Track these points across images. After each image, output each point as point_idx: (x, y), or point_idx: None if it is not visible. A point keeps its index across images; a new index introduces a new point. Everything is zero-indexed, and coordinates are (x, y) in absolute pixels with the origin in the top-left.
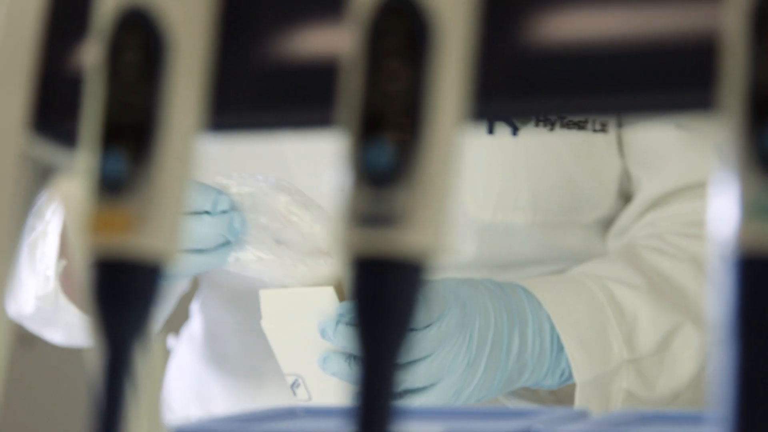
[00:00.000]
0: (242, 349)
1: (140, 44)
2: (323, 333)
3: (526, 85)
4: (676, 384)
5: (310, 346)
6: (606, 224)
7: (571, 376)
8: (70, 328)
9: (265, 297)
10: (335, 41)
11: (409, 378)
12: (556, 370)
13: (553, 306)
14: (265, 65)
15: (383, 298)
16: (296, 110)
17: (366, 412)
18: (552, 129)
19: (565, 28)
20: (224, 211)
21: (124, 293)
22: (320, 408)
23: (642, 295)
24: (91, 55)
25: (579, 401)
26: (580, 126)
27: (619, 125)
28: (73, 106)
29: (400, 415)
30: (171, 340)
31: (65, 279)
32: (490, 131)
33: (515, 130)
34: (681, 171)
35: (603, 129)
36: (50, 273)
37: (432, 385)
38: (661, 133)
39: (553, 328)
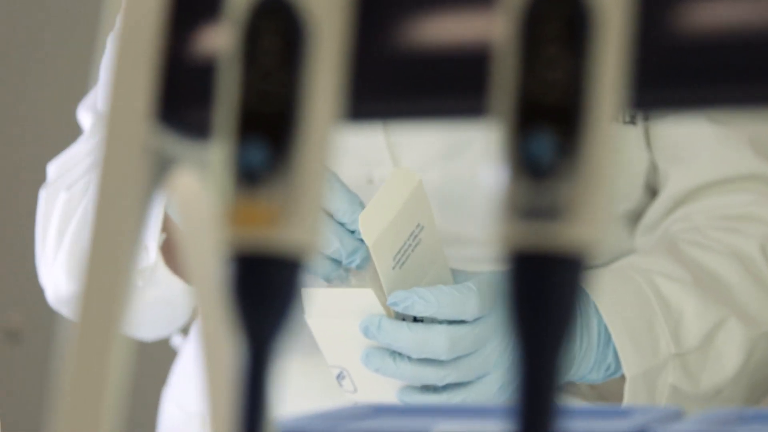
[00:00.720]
0: None
1: (279, 30)
2: (366, 330)
3: (678, 74)
4: (720, 379)
5: (351, 341)
6: (632, 218)
7: (615, 370)
8: (143, 308)
9: (309, 295)
10: (482, 27)
11: (455, 372)
12: (602, 364)
13: (602, 300)
14: (406, 52)
15: (546, 295)
16: (439, 99)
17: (530, 412)
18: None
19: (720, 15)
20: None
21: (266, 288)
22: (401, 407)
23: (687, 289)
24: (220, 42)
25: (628, 396)
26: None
27: (646, 118)
28: (193, 95)
29: (561, 414)
30: (177, 339)
31: (166, 252)
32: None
33: None
34: (713, 165)
35: (632, 121)
36: (150, 246)
37: (478, 379)
38: (691, 127)
39: (600, 321)
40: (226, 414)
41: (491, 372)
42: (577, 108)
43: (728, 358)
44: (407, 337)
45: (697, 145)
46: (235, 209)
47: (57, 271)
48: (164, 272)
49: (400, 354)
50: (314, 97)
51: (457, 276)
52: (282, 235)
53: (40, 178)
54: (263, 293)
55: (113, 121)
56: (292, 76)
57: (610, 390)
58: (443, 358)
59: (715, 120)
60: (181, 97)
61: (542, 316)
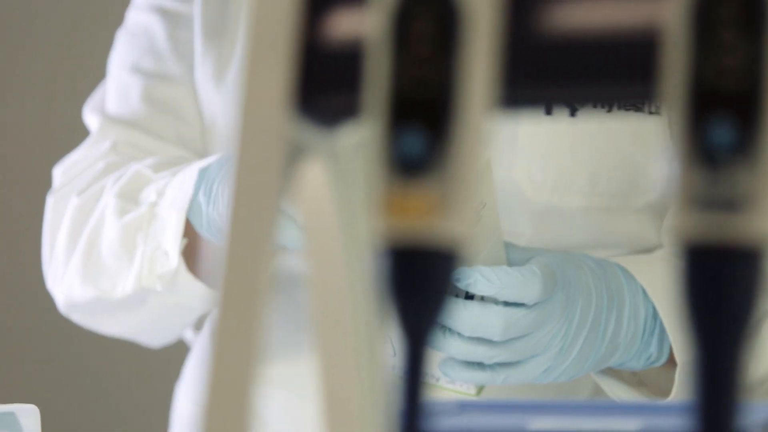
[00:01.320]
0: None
1: (433, 14)
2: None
3: None
4: (765, 370)
5: None
6: (657, 209)
7: (657, 359)
8: (161, 313)
9: None
10: (644, 8)
11: (505, 353)
12: (644, 353)
13: (651, 286)
14: (562, 35)
15: (725, 289)
16: (598, 85)
17: (711, 410)
18: (610, 110)
19: None
20: None
21: (423, 281)
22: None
23: None
24: (358, 27)
25: (678, 383)
26: (637, 108)
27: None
28: (325, 81)
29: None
30: (189, 334)
31: (188, 257)
32: (548, 112)
33: (574, 111)
34: None
35: (657, 111)
36: (171, 251)
37: (522, 361)
38: None
39: (648, 309)
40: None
41: (540, 354)
42: (756, 95)
43: None
44: (462, 314)
45: None
46: (391, 199)
47: (70, 276)
48: (186, 278)
49: (451, 329)
50: (470, 84)
51: (509, 251)
52: (440, 226)
53: (38, 179)
54: (420, 286)
55: (248, 110)
56: (448, 61)
57: (650, 376)
58: (496, 339)
59: None
60: (313, 83)
61: (721, 312)
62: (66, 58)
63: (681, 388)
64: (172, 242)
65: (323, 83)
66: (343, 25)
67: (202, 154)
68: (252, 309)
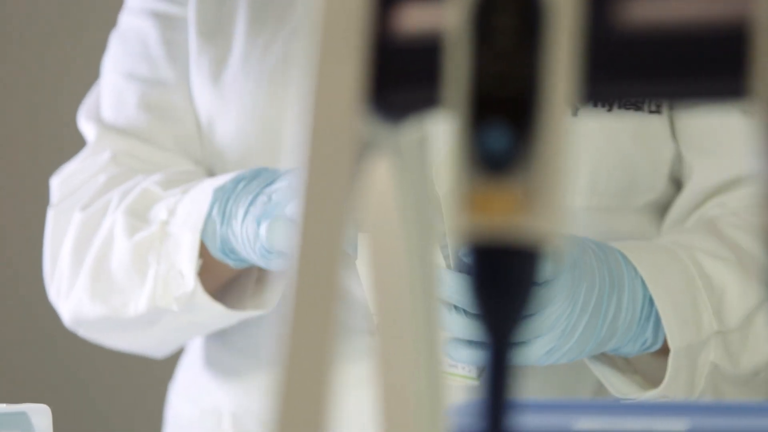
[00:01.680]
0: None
1: (516, 7)
2: None
3: None
4: (759, 360)
5: None
6: (657, 208)
7: (651, 345)
8: (174, 330)
9: (362, 240)
10: (726, 2)
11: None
12: (639, 338)
13: (649, 273)
14: (645, 30)
15: (505, 285)
16: (682, 81)
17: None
18: (610, 109)
19: None
20: None
21: (508, 280)
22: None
23: (729, 268)
24: (433, 21)
25: (671, 369)
26: (637, 107)
27: (671, 108)
28: (394, 76)
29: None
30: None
31: (202, 276)
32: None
33: (575, 111)
34: (747, 158)
35: (657, 110)
36: (187, 272)
37: (529, 340)
38: (722, 119)
39: (645, 296)
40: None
41: (544, 335)
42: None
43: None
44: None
45: (725, 137)
46: (474, 197)
47: (78, 293)
48: (203, 299)
49: (456, 306)
50: (554, 79)
51: None
52: (525, 224)
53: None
54: (504, 285)
55: (319, 108)
56: (531, 56)
57: (644, 363)
58: None
59: (749, 113)
60: (382, 78)
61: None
62: (58, 61)
63: (673, 376)
64: (187, 263)
65: (393, 78)
66: (413, 19)
67: (200, 160)
68: (326, 310)
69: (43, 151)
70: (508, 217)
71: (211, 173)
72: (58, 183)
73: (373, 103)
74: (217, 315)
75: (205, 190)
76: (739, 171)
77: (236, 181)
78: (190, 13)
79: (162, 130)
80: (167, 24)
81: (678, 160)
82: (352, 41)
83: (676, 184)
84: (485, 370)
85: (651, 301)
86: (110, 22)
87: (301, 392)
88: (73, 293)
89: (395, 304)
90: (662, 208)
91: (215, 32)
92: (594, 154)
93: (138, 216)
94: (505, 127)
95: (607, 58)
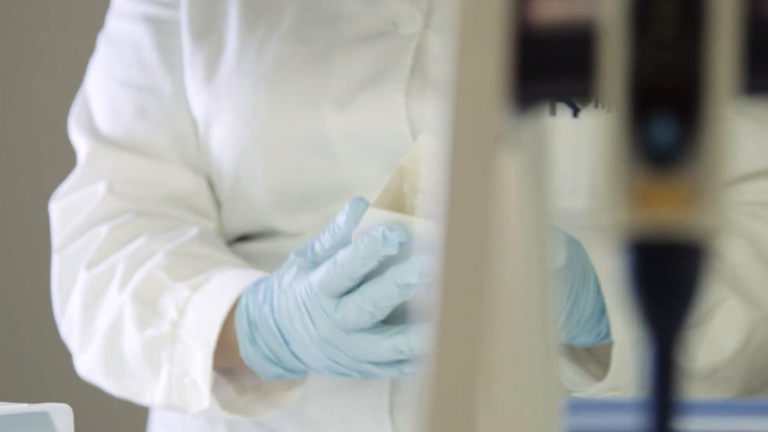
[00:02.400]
0: None
1: None
2: None
3: None
4: (716, 359)
5: None
6: None
7: (606, 336)
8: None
9: (370, 213)
10: None
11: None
12: (594, 329)
13: (600, 264)
14: None
15: (670, 284)
16: None
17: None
18: (609, 110)
19: None
20: None
21: (674, 278)
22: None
23: None
24: (574, 10)
25: (615, 363)
26: None
27: None
28: (539, 67)
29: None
30: None
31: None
32: (552, 112)
33: (576, 112)
34: (752, 159)
35: None
36: (201, 385)
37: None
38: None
39: (598, 286)
40: None
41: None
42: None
43: (726, 338)
44: None
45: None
46: (637, 191)
47: (91, 360)
48: (220, 412)
49: None
50: (717, 70)
51: None
52: (693, 220)
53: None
54: (670, 283)
55: (460, 103)
56: (694, 46)
57: (606, 355)
58: None
59: (741, 113)
60: (523, 70)
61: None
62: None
63: (619, 369)
64: (200, 378)
65: (534, 69)
66: (553, 9)
67: (199, 167)
68: (477, 306)
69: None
70: (673, 212)
71: (208, 182)
72: (57, 213)
73: (514, 96)
74: (232, 417)
75: (218, 306)
76: (745, 169)
77: (258, 289)
78: (183, 16)
79: (160, 140)
80: (160, 29)
81: None
82: (492, 33)
83: None
84: (650, 369)
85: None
86: (98, 23)
87: (451, 394)
88: (85, 356)
89: (511, 299)
90: None
91: (207, 32)
92: (576, 155)
93: (146, 305)
94: (670, 119)
95: (764, 47)
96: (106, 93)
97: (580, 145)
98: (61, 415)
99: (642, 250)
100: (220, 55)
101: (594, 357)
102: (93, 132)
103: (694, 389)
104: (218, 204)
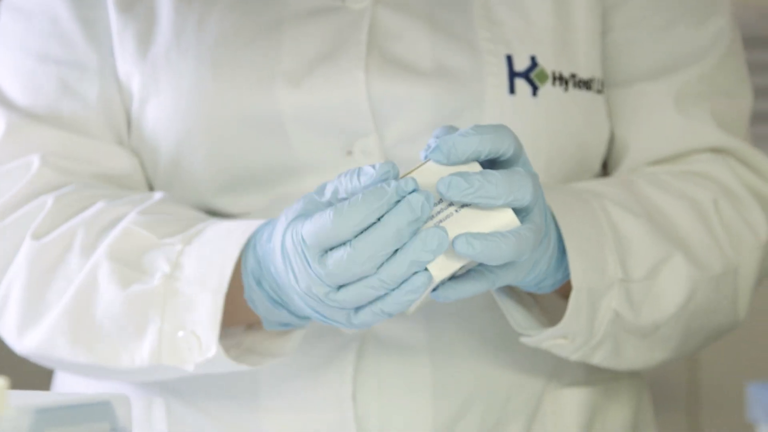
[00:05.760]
0: None
1: None
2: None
3: None
4: (659, 315)
5: None
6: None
7: (558, 284)
8: (170, 376)
9: (429, 165)
10: None
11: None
12: (551, 276)
13: (559, 212)
14: None
15: None
16: None
17: None
18: (566, 89)
19: None
20: None
21: None
22: None
23: (638, 221)
24: None
25: (571, 309)
26: (588, 86)
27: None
28: None
29: None
30: None
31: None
32: (512, 91)
33: (535, 90)
34: (678, 137)
35: (601, 90)
36: (208, 339)
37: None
38: (649, 97)
39: (558, 233)
40: None
41: (516, 263)
42: None
43: (670, 294)
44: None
45: (656, 115)
46: None
47: (49, 333)
48: (223, 360)
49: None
50: None
51: None
52: None
53: None
54: None
55: None
56: None
57: (550, 303)
58: (527, 202)
59: (681, 93)
60: None
61: None
62: None
63: (573, 315)
64: (208, 330)
65: None
66: None
67: (132, 146)
68: None
69: None
70: None
71: (140, 162)
72: None
73: None
74: (232, 369)
75: (227, 250)
76: (672, 149)
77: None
78: None
79: (89, 117)
80: (79, 1)
81: (612, 139)
82: None
83: (603, 166)
84: None
85: (562, 240)
86: None
87: None
88: (35, 332)
89: None
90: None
91: (135, 3)
92: (552, 140)
93: (128, 263)
94: None
95: None
96: (20, 65)
97: (537, 123)
98: (122, 405)
99: None
100: (152, 29)
101: (539, 305)
102: (7, 104)
103: (634, 348)
104: (150, 185)
